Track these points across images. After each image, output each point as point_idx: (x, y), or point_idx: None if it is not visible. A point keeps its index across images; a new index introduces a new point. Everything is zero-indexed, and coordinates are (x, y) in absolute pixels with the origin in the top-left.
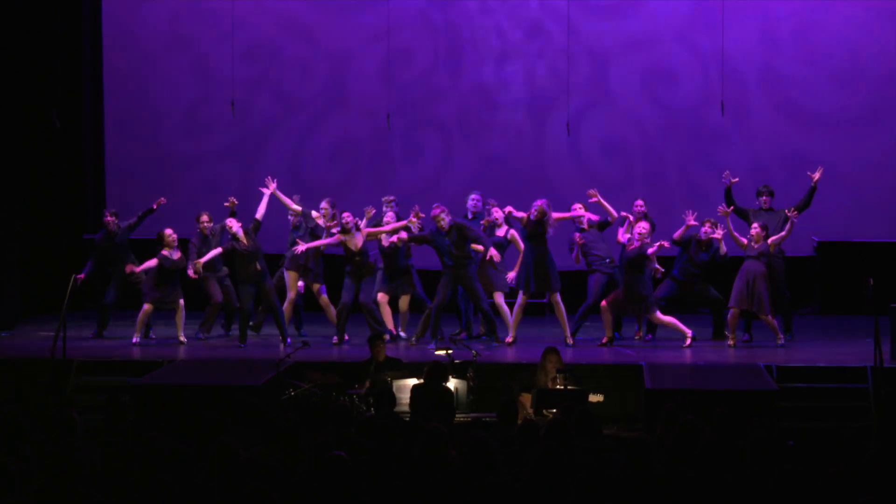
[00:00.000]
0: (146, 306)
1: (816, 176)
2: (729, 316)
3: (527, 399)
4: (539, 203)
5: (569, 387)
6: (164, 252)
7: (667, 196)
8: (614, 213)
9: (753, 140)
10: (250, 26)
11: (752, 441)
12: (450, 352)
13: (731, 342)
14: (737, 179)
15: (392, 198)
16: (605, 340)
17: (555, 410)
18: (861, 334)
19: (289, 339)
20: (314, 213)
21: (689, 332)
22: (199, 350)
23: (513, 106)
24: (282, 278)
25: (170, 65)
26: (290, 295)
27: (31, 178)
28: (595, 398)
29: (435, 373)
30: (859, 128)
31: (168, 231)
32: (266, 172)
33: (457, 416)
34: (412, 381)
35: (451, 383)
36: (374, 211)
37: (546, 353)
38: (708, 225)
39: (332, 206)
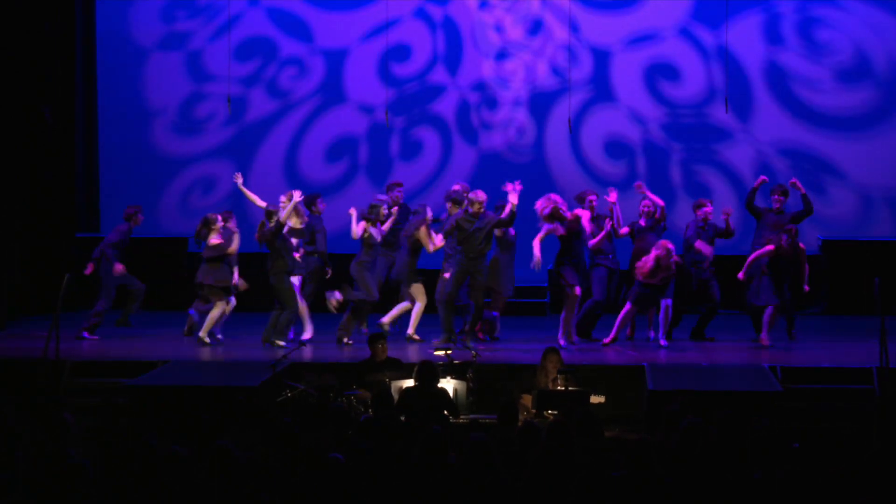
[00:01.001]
0: (229, 302)
1: (800, 187)
2: (768, 314)
3: (527, 400)
4: (549, 201)
5: (570, 388)
6: (214, 240)
7: (670, 194)
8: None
9: (758, 138)
10: (246, 22)
11: (754, 442)
12: (449, 352)
13: (767, 342)
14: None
15: (397, 184)
16: (608, 340)
17: (555, 412)
18: (867, 334)
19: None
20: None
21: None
22: (193, 350)
23: (513, 102)
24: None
25: (164, 62)
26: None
27: (23, 177)
28: (596, 399)
29: (426, 373)
30: (865, 125)
31: (219, 216)
32: (262, 169)
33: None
34: (410, 383)
35: (450, 384)
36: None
37: (546, 354)
38: (710, 204)
39: (290, 199)
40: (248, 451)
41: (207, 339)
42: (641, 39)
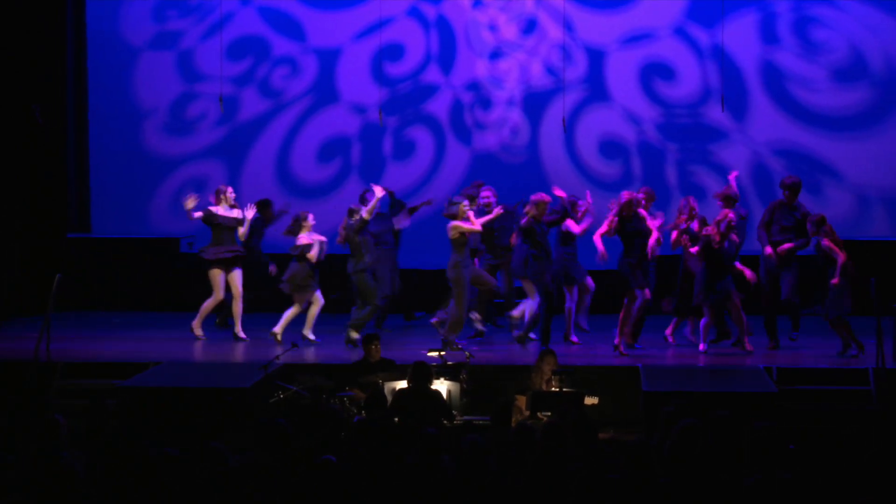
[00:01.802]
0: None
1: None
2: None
3: (522, 401)
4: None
5: (564, 389)
6: (303, 239)
7: (665, 194)
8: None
9: (753, 138)
10: (237, 21)
11: (752, 443)
12: (442, 353)
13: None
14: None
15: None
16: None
17: (549, 413)
18: (863, 335)
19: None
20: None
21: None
22: (185, 351)
23: (507, 102)
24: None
25: (155, 61)
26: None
27: (14, 177)
28: (590, 401)
29: (419, 374)
30: (861, 125)
31: (311, 215)
32: (254, 169)
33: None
34: (404, 384)
35: (444, 385)
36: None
37: (542, 355)
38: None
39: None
40: (241, 453)
41: (279, 338)
42: (636, 39)
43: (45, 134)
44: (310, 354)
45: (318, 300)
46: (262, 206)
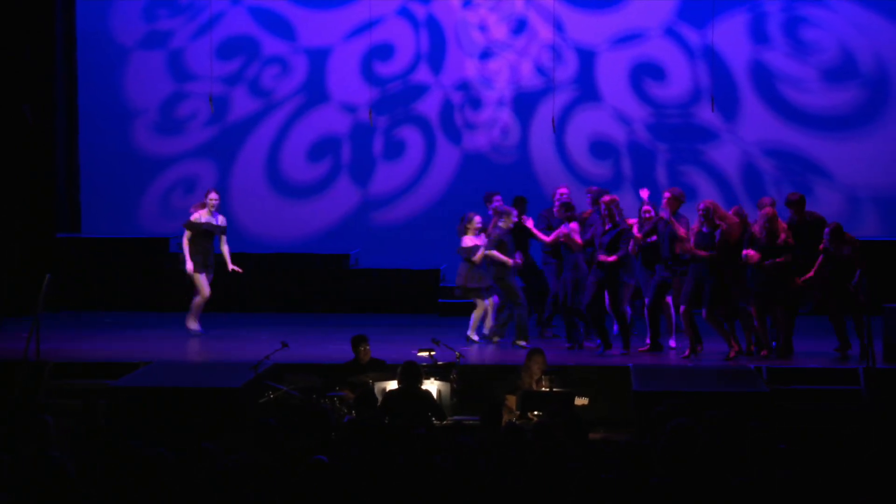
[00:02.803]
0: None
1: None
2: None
3: (511, 401)
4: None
5: (554, 389)
6: (466, 241)
7: (655, 194)
8: None
9: (743, 138)
10: (228, 20)
11: (746, 444)
12: (432, 353)
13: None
14: None
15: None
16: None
17: (539, 413)
18: (854, 335)
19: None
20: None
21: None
22: (176, 351)
23: (497, 102)
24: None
25: (145, 61)
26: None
27: (3, 177)
28: (580, 401)
29: (409, 374)
30: (851, 125)
31: (477, 217)
32: (244, 169)
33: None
34: (394, 384)
35: (434, 385)
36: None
37: (531, 354)
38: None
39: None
40: (232, 453)
41: (475, 337)
42: (626, 39)
43: (35, 134)
44: (302, 354)
45: (484, 302)
46: (518, 202)
